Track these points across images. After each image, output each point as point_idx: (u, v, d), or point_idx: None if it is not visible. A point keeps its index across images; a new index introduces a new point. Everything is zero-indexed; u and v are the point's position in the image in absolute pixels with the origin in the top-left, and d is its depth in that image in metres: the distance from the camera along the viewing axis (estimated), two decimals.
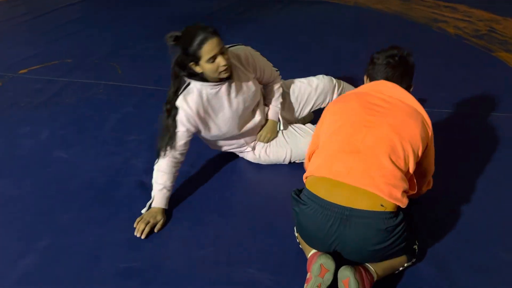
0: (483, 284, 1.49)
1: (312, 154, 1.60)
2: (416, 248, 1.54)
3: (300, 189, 1.51)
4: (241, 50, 1.93)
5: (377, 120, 1.44)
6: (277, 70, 2.11)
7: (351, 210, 1.34)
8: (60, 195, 1.97)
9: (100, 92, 2.92)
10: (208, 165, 2.17)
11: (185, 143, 1.86)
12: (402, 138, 1.40)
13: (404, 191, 1.38)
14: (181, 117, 1.82)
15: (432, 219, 1.76)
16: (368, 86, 1.58)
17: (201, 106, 1.83)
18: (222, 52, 1.70)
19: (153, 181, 1.84)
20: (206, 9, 4.66)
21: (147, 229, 1.73)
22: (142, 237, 1.71)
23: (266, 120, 2.11)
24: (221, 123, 1.91)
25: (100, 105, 2.75)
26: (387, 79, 1.55)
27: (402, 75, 1.55)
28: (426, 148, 1.49)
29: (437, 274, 1.53)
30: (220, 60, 1.70)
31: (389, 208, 1.34)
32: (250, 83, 1.94)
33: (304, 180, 1.52)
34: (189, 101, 1.81)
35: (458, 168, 2.05)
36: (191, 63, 1.74)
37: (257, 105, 2.06)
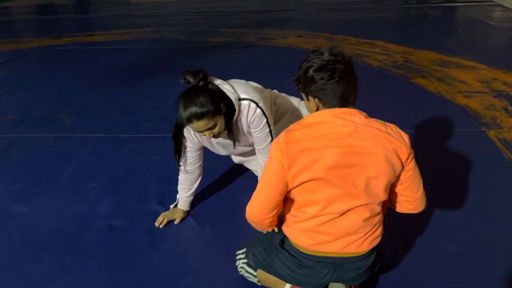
0: (434, 275, 1.70)
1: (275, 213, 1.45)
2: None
3: (282, 239, 1.51)
4: (252, 107, 1.81)
5: (354, 192, 1.33)
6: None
7: (343, 258, 1.39)
8: (27, 247, 1.94)
9: (50, 145, 2.89)
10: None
11: (193, 161, 2.00)
12: (375, 199, 1.36)
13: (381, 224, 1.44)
14: (185, 142, 1.95)
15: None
16: (324, 128, 1.30)
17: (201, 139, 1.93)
18: (209, 129, 1.68)
19: (178, 187, 2.08)
20: (146, 57, 4.80)
21: (164, 222, 2.03)
22: (161, 226, 2.02)
23: None
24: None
25: (53, 157, 2.73)
26: (345, 101, 1.31)
27: (356, 86, 1.34)
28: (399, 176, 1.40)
29: (394, 268, 1.72)
30: (207, 134, 1.71)
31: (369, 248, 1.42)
32: (250, 137, 1.95)
33: (285, 228, 1.48)
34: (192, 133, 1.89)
35: None
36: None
37: None
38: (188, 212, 2.11)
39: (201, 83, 1.69)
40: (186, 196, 2.07)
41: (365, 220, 1.36)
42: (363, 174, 1.30)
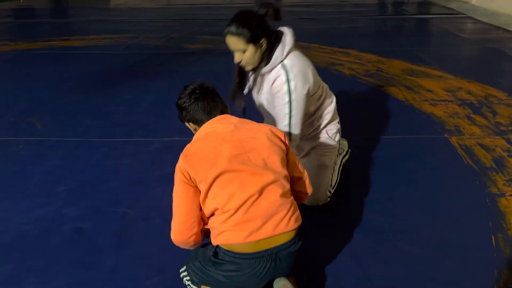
0: (393, 273, 1.77)
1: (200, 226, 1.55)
2: None
3: (215, 250, 1.51)
4: (281, 79, 1.86)
5: (258, 171, 1.47)
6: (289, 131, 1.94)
7: (278, 247, 1.45)
8: None
9: (21, 149, 2.88)
10: None
11: None
12: (278, 174, 1.50)
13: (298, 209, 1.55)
14: None
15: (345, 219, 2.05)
16: (210, 135, 1.54)
17: None
18: (238, 50, 1.82)
19: None
20: (122, 63, 4.80)
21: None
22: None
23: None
24: None
25: (23, 161, 2.71)
26: (209, 113, 1.57)
27: (213, 99, 1.60)
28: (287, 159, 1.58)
29: (356, 267, 1.79)
30: (236, 55, 1.85)
31: (295, 232, 1.52)
32: (265, 91, 1.98)
33: (214, 240, 1.50)
34: None
35: (368, 179, 2.40)
36: None
37: None
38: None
39: (267, 14, 1.83)
40: None
41: (281, 196, 1.48)
42: (258, 155, 1.49)
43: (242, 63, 1.87)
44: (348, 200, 2.26)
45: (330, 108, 2.18)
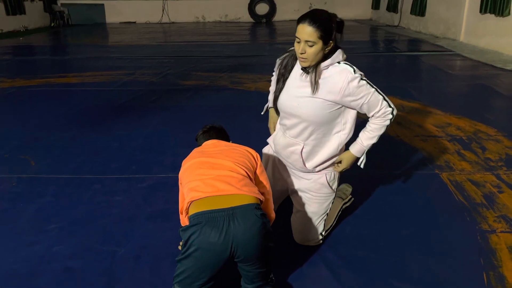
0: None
1: (184, 208, 1.76)
2: (272, 277, 1.82)
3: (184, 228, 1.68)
4: (346, 69, 1.91)
5: (218, 160, 1.82)
6: (389, 107, 1.97)
7: (233, 208, 1.63)
8: None
9: (13, 186, 2.87)
10: None
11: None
12: (238, 162, 1.81)
13: (258, 192, 1.74)
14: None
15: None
16: (200, 148, 1.99)
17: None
18: (307, 43, 1.82)
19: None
20: (118, 99, 4.87)
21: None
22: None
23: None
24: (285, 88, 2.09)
25: (15, 198, 2.70)
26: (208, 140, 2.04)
27: (218, 133, 2.06)
28: (255, 173, 1.88)
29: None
30: (299, 47, 1.85)
31: (255, 200, 1.68)
32: (319, 95, 1.93)
33: (186, 217, 1.72)
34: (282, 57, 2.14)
35: (359, 215, 2.40)
36: None
37: (308, 137, 2.03)
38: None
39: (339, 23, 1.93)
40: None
41: (237, 176, 1.76)
42: (223, 162, 1.82)
43: (304, 56, 1.86)
44: (338, 236, 2.26)
45: (343, 138, 2.08)
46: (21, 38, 10.77)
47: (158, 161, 3.21)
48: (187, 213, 1.71)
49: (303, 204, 2.17)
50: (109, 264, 2.06)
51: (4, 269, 2.03)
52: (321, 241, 2.18)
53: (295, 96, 2.00)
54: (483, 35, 8.09)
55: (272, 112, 2.34)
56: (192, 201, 1.68)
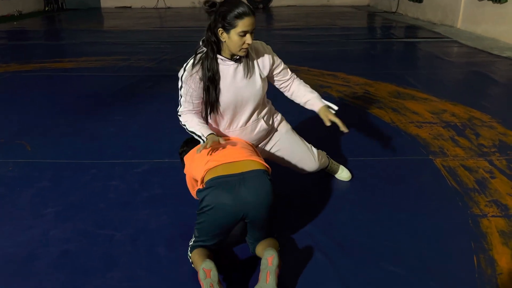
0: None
1: (201, 177, 1.87)
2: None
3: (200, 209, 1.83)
4: (259, 43, 2.12)
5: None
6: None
7: (244, 173, 1.79)
8: None
9: (10, 170, 2.88)
10: None
11: (196, 104, 2.11)
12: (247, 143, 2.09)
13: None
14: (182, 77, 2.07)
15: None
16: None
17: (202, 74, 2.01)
18: (252, 32, 1.90)
19: (190, 130, 2.07)
20: (113, 85, 4.85)
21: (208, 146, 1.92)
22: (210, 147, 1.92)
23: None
24: (223, 91, 2.04)
25: (12, 183, 2.72)
26: None
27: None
28: None
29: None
30: (248, 38, 1.88)
31: (264, 167, 1.86)
32: (257, 76, 2.07)
33: (202, 184, 1.85)
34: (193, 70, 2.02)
35: (353, 200, 2.43)
36: (221, 29, 1.89)
37: (262, 110, 2.20)
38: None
39: None
40: (202, 123, 2.08)
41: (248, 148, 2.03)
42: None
43: (250, 45, 1.95)
44: (332, 222, 2.29)
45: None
46: (15, 22, 10.64)
47: (154, 146, 3.22)
48: (203, 181, 1.86)
49: (288, 148, 2.38)
50: (106, 248, 2.09)
51: (1, 254, 2.05)
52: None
53: (245, 87, 2.05)
54: (480, 22, 8.07)
55: (211, 137, 1.98)
56: (208, 170, 1.84)
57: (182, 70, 2.07)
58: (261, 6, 15.08)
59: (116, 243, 2.13)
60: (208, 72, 1.98)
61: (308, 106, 2.27)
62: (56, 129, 3.57)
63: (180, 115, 2.13)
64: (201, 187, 1.87)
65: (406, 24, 9.81)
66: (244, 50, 1.94)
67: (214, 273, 1.66)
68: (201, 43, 2.03)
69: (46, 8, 14.12)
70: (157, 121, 3.73)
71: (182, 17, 11.92)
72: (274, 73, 2.20)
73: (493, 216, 2.30)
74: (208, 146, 1.88)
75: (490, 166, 2.84)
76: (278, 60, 2.19)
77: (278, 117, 2.39)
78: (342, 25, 9.69)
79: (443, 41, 7.53)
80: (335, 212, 2.37)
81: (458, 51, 6.82)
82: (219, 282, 1.68)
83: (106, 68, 5.63)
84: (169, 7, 14.94)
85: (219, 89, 2.03)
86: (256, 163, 1.88)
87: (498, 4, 7.47)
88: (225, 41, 1.93)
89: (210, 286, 1.64)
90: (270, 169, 1.91)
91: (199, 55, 2.01)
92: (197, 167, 1.96)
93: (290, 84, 2.29)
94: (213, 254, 1.87)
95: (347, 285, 1.84)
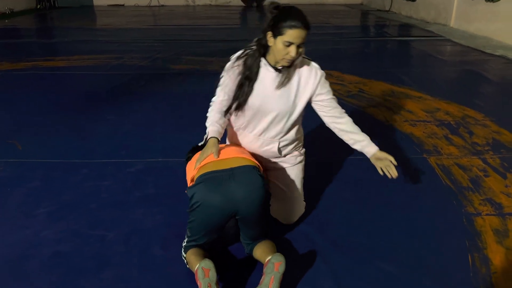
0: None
1: (192, 175, 1.87)
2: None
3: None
4: (314, 68, 2.01)
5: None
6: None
7: (233, 169, 1.78)
8: None
9: (0, 170, 2.84)
10: None
11: (227, 97, 2.01)
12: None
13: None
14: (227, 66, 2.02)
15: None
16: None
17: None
18: (299, 46, 1.84)
19: (206, 124, 1.99)
20: (106, 83, 4.81)
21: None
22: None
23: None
24: (253, 93, 1.98)
25: (2, 183, 2.68)
26: None
27: None
28: None
29: (333, 287, 1.81)
30: (291, 50, 1.83)
31: (254, 164, 1.84)
32: (292, 95, 1.98)
33: (192, 182, 1.84)
34: (235, 63, 1.99)
35: (346, 199, 2.43)
36: (270, 33, 1.86)
37: (284, 134, 2.07)
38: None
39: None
40: (218, 123, 1.97)
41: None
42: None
43: (294, 58, 1.88)
44: (327, 220, 2.28)
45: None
46: (6, 20, 10.52)
47: (147, 146, 3.19)
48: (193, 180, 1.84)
49: (288, 184, 2.20)
50: (99, 249, 2.06)
51: None
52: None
53: (274, 98, 1.99)
54: (473, 20, 8.11)
55: (214, 142, 1.93)
56: (199, 168, 1.84)
57: (229, 62, 2.05)
58: (255, 4, 15.05)
59: (109, 243, 2.11)
60: (247, 70, 1.97)
61: (357, 147, 2.14)
62: (48, 128, 3.53)
63: (210, 104, 2.08)
64: (191, 184, 1.85)
65: (400, 23, 9.84)
66: (287, 60, 1.88)
67: (212, 273, 1.65)
68: (254, 41, 2.01)
69: (38, 6, 13.97)
70: (150, 120, 3.70)
71: (176, 15, 11.86)
72: (315, 100, 2.05)
73: (487, 214, 2.30)
74: (204, 157, 1.87)
75: (483, 165, 2.85)
76: (324, 90, 2.03)
77: (299, 156, 2.23)
78: (336, 24, 9.69)
79: (436, 40, 7.56)
80: (329, 211, 2.36)
81: (451, 50, 6.85)
82: (217, 283, 1.66)
83: (98, 66, 5.58)
84: (162, 5, 14.86)
85: (251, 90, 1.99)
86: (246, 159, 1.87)
87: (491, 3, 7.51)
88: (271, 46, 1.90)
89: (208, 286, 1.62)
90: (261, 167, 1.89)
91: (247, 51, 2.01)
92: (190, 169, 1.94)
93: (335, 119, 2.11)
94: (208, 254, 1.85)
95: (342, 284, 1.83)
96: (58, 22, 11.02)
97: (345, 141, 2.17)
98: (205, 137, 2.00)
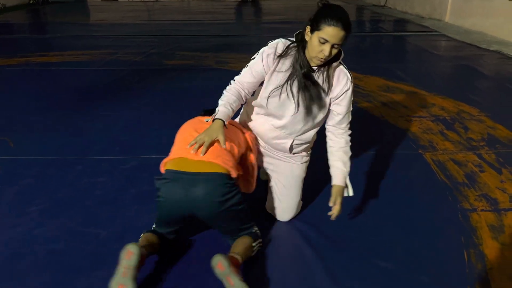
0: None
1: (163, 162, 1.89)
2: (257, 230, 1.94)
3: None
4: (347, 75, 1.94)
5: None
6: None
7: (198, 174, 1.74)
8: None
9: None
10: None
11: (252, 79, 1.97)
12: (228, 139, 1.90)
13: (233, 167, 1.81)
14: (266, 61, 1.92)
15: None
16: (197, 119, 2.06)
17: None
18: (333, 46, 1.75)
19: (219, 101, 1.96)
20: (100, 79, 4.77)
21: (203, 148, 1.79)
22: (196, 152, 1.80)
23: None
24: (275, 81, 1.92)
25: None
26: None
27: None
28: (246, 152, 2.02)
29: (331, 285, 1.80)
30: (325, 48, 1.75)
31: (224, 171, 1.77)
32: (326, 98, 1.94)
33: (163, 169, 1.85)
34: (280, 47, 1.91)
35: None
36: (309, 27, 1.80)
37: (301, 134, 2.04)
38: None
39: None
40: (231, 105, 1.92)
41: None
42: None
43: (327, 58, 1.80)
44: (322, 216, 2.26)
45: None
46: None
47: (142, 142, 3.17)
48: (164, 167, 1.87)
49: (289, 182, 2.19)
50: (93, 247, 2.04)
51: None
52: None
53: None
54: (468, 16, 8.11)
55: (219, 125, 1.88)
56: (172, 159, 1.84)
57: (265, 46, 1.95)
58: None
59: (103, 241, 2.09)
60: (300, 68, 1.87)
61: (331, 171, 2.08)
62: (41, 125, 3.49)
63: (231, 83, 2.03)
64: (163, 171, 1.86)
65: (395, 18, 9.83)
66: (319, 59, 1.81)
67: (134, 258, 1.65)
68: (294, 34, 1.94)
69: (31, 1, 13.82)
70: (145, 116, 3.67)
71: (170, 10, 11.78)
72: (331, 107, 2.00)
73: (482, 210, 2.30)
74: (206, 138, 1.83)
75: (479, 160, 2.85)
76: (344, 102, 1.97)
77: (306, 156, 2.22)
78: None
79: (432, 35, 7.56)
80: (324, 207, 2.35)
81: (446, 45, 6.85)
82: (136, 269, 1.65)
83: (93, 62, 5.53)
84: (157, 0, 14.76)
85: (314, 91, 1.91)
86: (217, 166, 1.77)
87: None
88: (307, 41, 1.83)
89: (124, 268, 1.63)
90: (234, 173, 1.80)
91: (292, 44, 1.91)
92: (179, 141, 1.94)
93: (332, 135, 2.08)
94: (160, 242, 1.90)
95: (338, 281, 1.82)
96: (51, 17, 10.91)
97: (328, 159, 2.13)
98: (214, 114, 1.94)
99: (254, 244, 1.89)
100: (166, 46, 6.56)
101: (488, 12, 7.50)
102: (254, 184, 2.14)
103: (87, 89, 4.43)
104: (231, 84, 2.03)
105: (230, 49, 6.34)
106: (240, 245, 1.84)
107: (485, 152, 2.96)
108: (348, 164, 2.05)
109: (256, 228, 1.96)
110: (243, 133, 2.09)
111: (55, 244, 2.06)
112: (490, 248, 2.01)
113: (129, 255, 1.65)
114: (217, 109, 1.94)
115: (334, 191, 2.01)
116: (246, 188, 2.14)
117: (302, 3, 12.94)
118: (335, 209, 1.97)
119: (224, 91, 2.01)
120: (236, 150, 1.92)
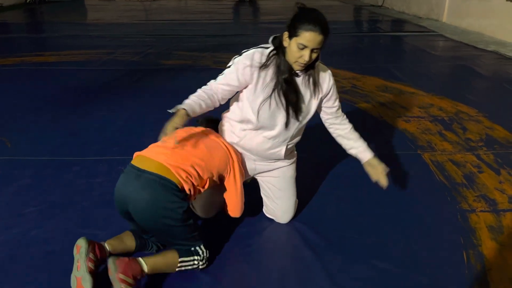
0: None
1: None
2: (198, 250, 1.82)
3: None
4: (327, 70, 1.98)
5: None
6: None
7: (144, 170, 1.75)
8: None
9: None
10: None
11: (223, 91, 1.95)
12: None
13: (188, 181, 1.76)
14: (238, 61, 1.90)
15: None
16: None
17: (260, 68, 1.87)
18: (313, 50, 1.75)
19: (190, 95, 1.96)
20: (97, 79, 4.75)
21: (161, 134, 1.78)
22: (164, 138, 1.79)
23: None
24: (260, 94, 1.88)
25: None
26: None
27: (207, 123, 2.19)
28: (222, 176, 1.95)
29: (329, 286, 1.79)
30: (305, 54, 1.74)
31: (172, 177, 1.73)
32: (312, 101, 1.94)
33: None
34: (256, 57, 1.87)
35: (340, 196, 2.41)
36: (287, 33, 1.79)
37: (293, 138, 2.03)
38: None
39: None
40: (197, 99, 1.91)
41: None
42: None
43: (307, 62, 1.79)
44: (321, 217, 2.26)
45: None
46: None
47: (140, 143, 3.10)
48: None
49: (284, 184, 2.17)
50: None
51: None
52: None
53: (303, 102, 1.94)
54: (465, 16, 8.13)
55: (182, 113, 1.90)
56: (138, 155, 1.90)
57: (240, 56, 1.92)
58: None
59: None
60: (282, 74, 1.85)
61: (353, 152, 2.13)
62: (38, 125, 3.47)
63: (206, 84, 2.02)
64: None
65: (392, 18, 9.84)
66: (299, 64, 1.80)
67: (83, 250, 1.72)
68: (270, 40, 1.91)
69: (28, 0, 13.76)
70: (143, 116, 3.65)
71: (167, 10, 11.75)
72: (324, 106, 2.04)
73: (481, 211, 2.30)
74: (168, 130, 1.80)
75: (477, 161, 2.85)
76: (334, 96, 2.02)
77: (294, 156, 2.22)
78: (329, 19, 9.48)
79: (429, 35, 7.56)
80: (323, 208, 2.35)
81: (443, 45, 6.86)
82: (89, 259, 1.71)
83: (90, 61, 5.50)
84: (154, 0, 14.73)
85: (298, 93, 1.91)
86: (168, 171, 1.73)
87: None
88: (286, 46, 1.82)
89: (77, 262, 1.70)
90: (186, 187, 1.74)
91: (271, 51, 1.88)
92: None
93: (336, 126, 2.13)
94: (133, 241, 1.93)
95: (335, 281, 1.81)
96: (48, 16, 10.86)
97: (341, 145, 2.16)
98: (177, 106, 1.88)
99: (181, 262, 1.78)
100: (164, 46, 6.54)
101: (486, 12, 7.52)
102: (240, 207, 2.03)
103: (84, 89, 4.41)
104: (205, 85, 2.00)
105: (227, 49, 6.33)
106: (161, 256, 1.79)
107: (484, 153, 2.96)
108: (363, 139, 2.13)
109: (198, 248, 1.82)
110: (229, 152, 1.96)
111: (52, 245, 2.05)
112: (489, 249, 2.01)
113: (78, 249, 1.73)
114: (184, 101, 1.90)
115: (372, 164, 2.08)
116: (232, 210, 2.05)
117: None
118: (382, 180, 2.03)
119: (198, 90, 1.98)
120: (203, 165, 1.83)
